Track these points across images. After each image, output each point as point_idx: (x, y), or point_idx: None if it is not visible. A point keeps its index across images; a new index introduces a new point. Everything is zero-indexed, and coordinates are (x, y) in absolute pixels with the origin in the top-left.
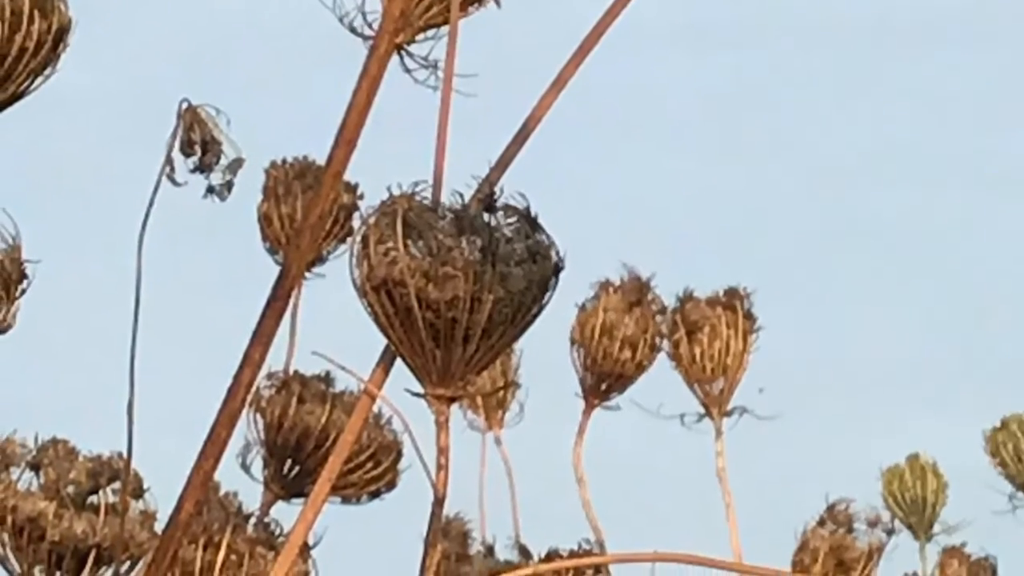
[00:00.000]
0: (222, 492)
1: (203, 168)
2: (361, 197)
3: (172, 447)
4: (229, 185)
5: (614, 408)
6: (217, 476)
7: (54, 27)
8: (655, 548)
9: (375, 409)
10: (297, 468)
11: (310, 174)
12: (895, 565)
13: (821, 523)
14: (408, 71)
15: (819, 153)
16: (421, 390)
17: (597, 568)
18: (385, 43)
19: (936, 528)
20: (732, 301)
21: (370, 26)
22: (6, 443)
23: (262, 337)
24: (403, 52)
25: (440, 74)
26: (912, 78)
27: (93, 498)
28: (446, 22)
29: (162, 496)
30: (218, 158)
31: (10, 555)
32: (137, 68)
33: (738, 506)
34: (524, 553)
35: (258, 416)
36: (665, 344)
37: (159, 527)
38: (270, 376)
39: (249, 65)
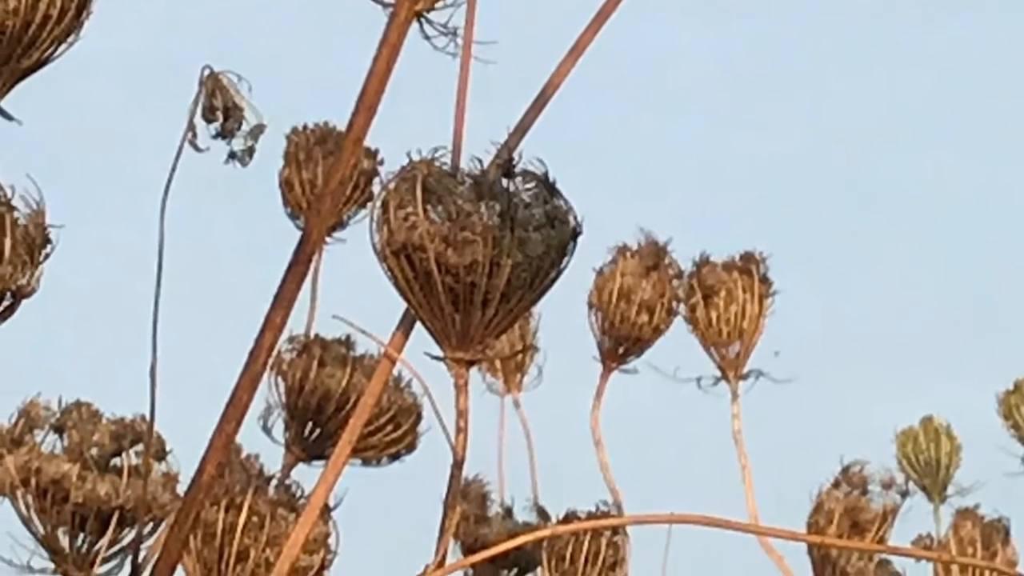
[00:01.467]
0: (244, 454)
1: (225, 134)
2: (381, 163)
3: (194, 410)
4: (251, 151)
5: (631, 371)
6: (239, 439)
7: None
8: (672, 510)
9: (395, 372)
10: (318, 431)
11: (331, 140)
12: (909, 526)
13: (836, 485)
14: (427, 38)
15: (835, 119)
16: (440, 354)
17: (615, 529)
18: (405, 10)
19: (950, 490)
20: (748, 265)
21: None
22: (30, 406)
23: (283, 301)
24: (422, 19)
25: (459, 41)
26: (927, 44)
27: (116, 460)
28: None
29: (184, 458)
30: (240, 124)
31: (34, 516)
32: (160, 35)
33: (754, 468)
34: (542, 515)
35: (279, 379)
36: (682, 308)
37: (181, 489)
38: (291, 340)
39: (270, 32)
